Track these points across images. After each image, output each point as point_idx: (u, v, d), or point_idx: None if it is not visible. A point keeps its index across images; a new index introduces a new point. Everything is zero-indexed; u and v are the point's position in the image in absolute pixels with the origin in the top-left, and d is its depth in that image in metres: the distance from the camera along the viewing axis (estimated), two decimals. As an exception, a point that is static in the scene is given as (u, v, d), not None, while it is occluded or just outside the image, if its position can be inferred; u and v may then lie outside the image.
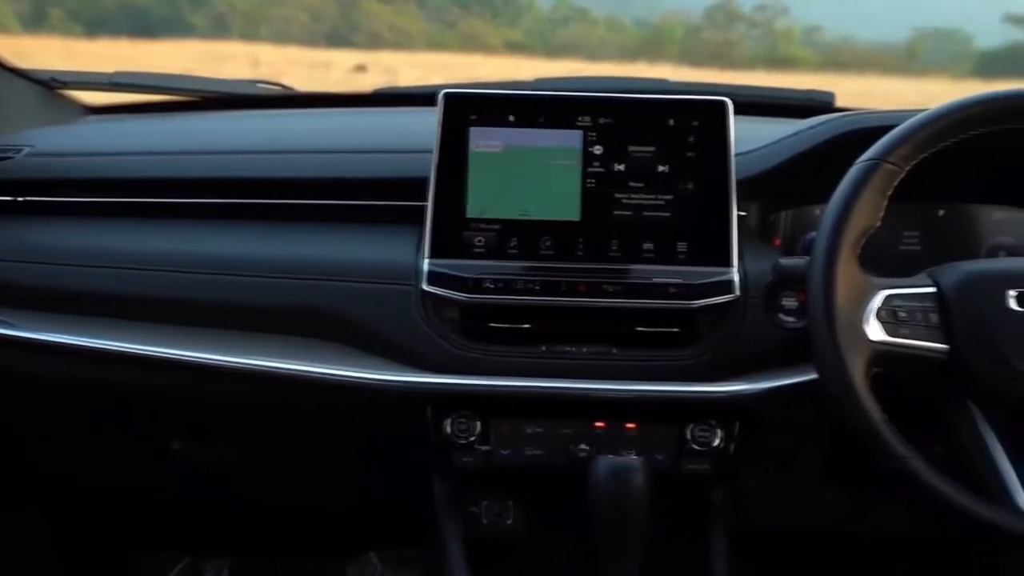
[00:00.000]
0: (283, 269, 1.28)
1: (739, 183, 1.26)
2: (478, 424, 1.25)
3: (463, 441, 1.26)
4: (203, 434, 1.44)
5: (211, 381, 1.28)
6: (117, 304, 1.31)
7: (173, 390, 1.32)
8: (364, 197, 1.35)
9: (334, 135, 1.49)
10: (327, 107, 1.69)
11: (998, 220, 1.39)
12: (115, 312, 1.31)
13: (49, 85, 1.64)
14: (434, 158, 1.26)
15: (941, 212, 1.39)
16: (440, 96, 1.27)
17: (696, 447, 1.25)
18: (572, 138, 1.26)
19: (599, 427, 1.25)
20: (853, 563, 1.74)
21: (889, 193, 1.09)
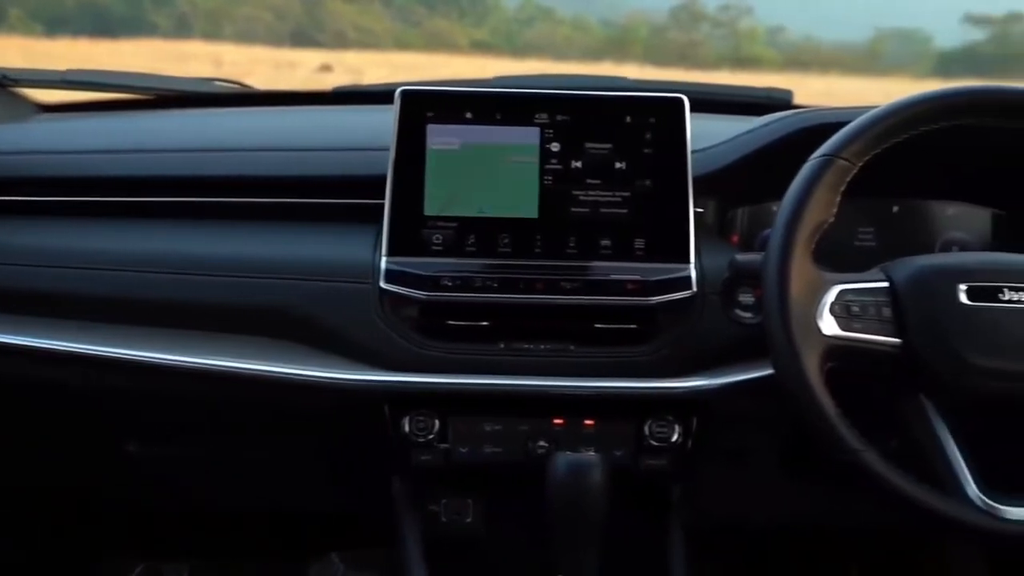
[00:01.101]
0: (240, 268, 1.27)
1: (696, 180, 1.26)
2: (436, 422, 1.25)
3: (421, 439, 1.25)
4: (160, 435, 1.43)
5: (166, 381, 1.27)
6: (72, 304, 1.29)
7: (128, 391, 1.31)
8: (323, 195, 1.34)
9: (293, 133, 1.48)
10: (286, 105, 1.68)
11: (951, 216, 1.40)
12: (71, 313, 1.29)
13: (0, 83, 1.61)
14: (391, 156, 1.25)
15: (895, 208, 1.40)
16: (397, 93, 1.27)
17: (654, 443, 1.26)
18: (529, 135, 1.26)
19: (557, 424, 1.26)
20: (812, 557, 1.75)
21: (842, 189, 1.10)
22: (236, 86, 1.77)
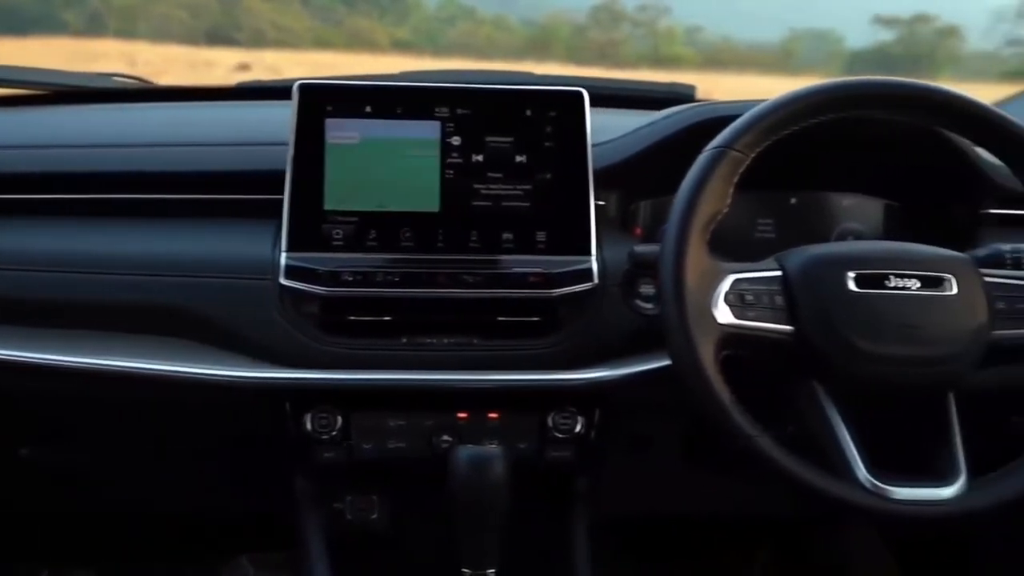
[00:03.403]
0: (137, 266, 1.24)
1: (597, 173, 1.27)
2: (339, 419, 1.24)
3: (324, 436, 1.24)
4: (57, 438, 1.39)
5: (62, 383, 1.23)
6: None
7: (21, 393, 1.27)
8: (222, 191, 1.32)
9: (192, 128, 1.45)
10: (187, 101, 1.65)
11: (847, 207, 1.44)
12: None
13: None
14: (290, 151, 1.24)
15: (793, 200, 1.43)
16: (295, 88, 1.26)
17: (558, 435, 1.26)
18: (430, 129, 1.26)
19: (461, 418, 1.26)
20: (717, 547, 1.78)
21: (736, 180, 1.11)
22: (136, 81, 1.73)
